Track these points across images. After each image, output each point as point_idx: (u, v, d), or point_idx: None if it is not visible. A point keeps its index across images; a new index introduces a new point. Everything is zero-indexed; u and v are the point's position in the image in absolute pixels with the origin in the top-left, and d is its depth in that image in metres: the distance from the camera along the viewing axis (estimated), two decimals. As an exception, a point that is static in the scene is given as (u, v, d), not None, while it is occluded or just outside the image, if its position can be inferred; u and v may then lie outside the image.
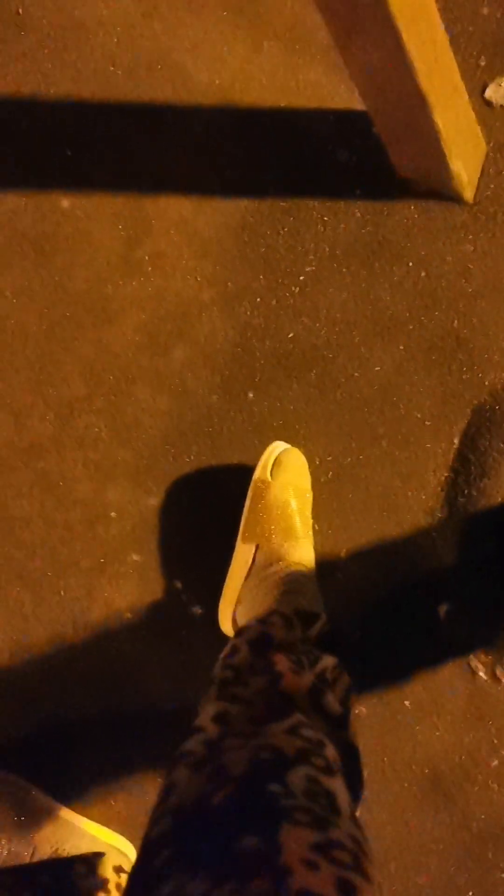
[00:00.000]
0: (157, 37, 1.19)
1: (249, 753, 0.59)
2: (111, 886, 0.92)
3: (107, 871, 0.94)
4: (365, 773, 0.73)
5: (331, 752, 0.63)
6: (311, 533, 1.06)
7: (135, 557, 1.10)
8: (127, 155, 1.19)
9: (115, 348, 1.15)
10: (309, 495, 1.09)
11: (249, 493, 1.06)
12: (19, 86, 1.18)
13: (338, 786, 0.59)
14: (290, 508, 1.04)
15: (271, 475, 1.05)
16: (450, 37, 0.96)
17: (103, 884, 0.92)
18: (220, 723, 0.66)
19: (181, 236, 1.18)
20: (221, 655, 0.83)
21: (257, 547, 1.02)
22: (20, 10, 1.20)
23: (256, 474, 1.06)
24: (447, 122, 1.02)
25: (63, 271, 1.16)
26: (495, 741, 1.08)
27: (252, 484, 1.06)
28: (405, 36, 0.87)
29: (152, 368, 1.15)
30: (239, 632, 0.86)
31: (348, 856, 0.50)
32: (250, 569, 1.02)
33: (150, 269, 1.17)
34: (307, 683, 0.72)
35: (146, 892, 0.49)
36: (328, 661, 0.81)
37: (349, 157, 1.16)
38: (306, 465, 1.10)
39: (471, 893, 1.07)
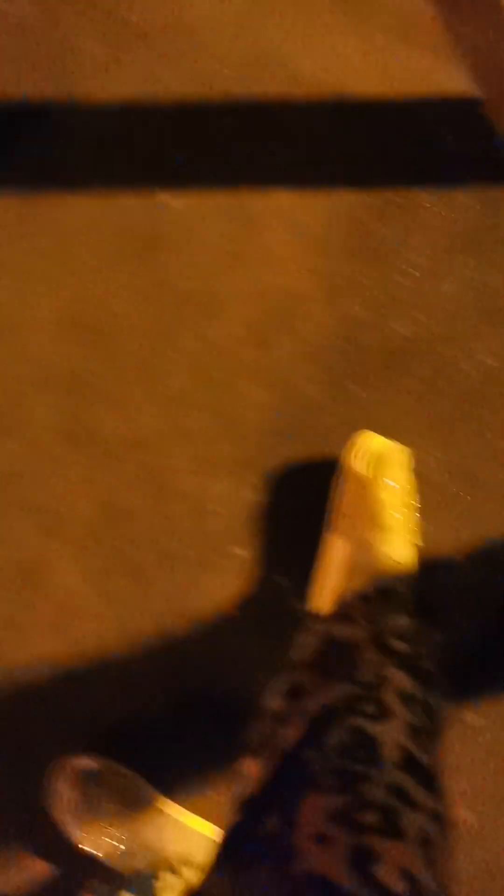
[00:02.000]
0: (267, 33, 1.20)
1: (302, 721, 0.57)
2: None
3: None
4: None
5: (393, 686, 0.60)
6: (411, 533, 1.00)
7: (238, 551, 1.09)
8: (236, 151, 1.20)
9: (220, 343, 1.15)
10: (411, 492, 1.04)
11: (342, 485, 1.02)
12: (134, 93, 1.21)
13: (387, 730, 0.55)
14: (387, 506, 0.99)
15: (369, 469, 1.01)
16: None
17: None
18: (286, 697, 0.64)
19: (286, 230, 1.17)
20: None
21: (347, 540, 0.98)
22: (132, 18, 1.23)
23: (349, 464, 1.03)
24: None
25: (170, 268, 1.17)
26: None
27: (346, 474, 1.03)
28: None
29: (257, 363, 1.14)
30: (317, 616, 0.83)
31: (376, 815, 0.47)
32: (346, 565, 0.98)
33: (255, 263, 1.17)
34: (366, 632, 0.69)
35: None
36: (402, 619, 0.78)
37: (459, 144, 1.13)
38: (407, 460, 1.05)
39: None
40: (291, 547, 1.08)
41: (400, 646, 0.69)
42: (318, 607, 1.00)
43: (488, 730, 1.04)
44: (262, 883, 0.43)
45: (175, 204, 1.20)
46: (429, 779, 0.53)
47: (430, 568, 1.03)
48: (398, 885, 0.44)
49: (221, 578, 1.08)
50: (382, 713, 0.57)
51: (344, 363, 1.13)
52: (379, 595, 0.85)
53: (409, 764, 0.53)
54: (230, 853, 0.49)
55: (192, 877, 0.93)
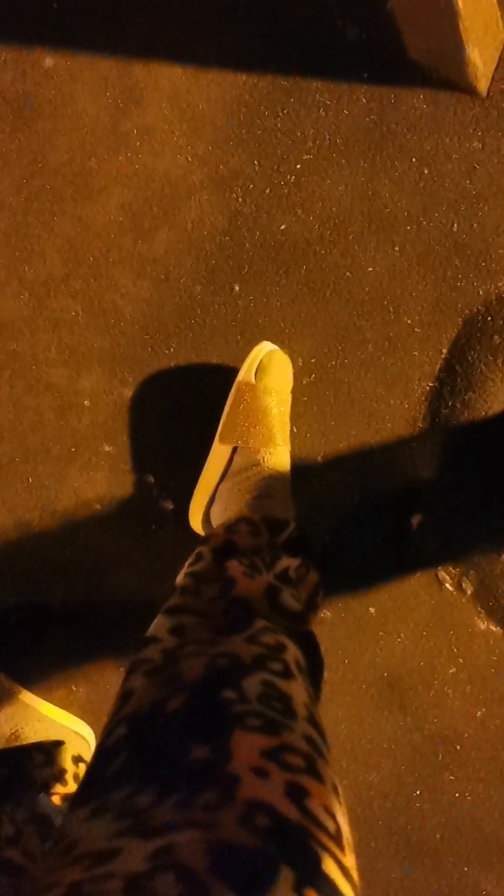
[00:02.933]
0: None
1: (206, 660, 0.58)
2: (69, 777, 0.93)
3: (66, 761, 0.95)
4: (326, 674, 0.73)
5: (291, 654, 0.63)
6: (288, 439, 1.04)
7: (107, 448, 1.07)
8: (120, 13, 1.10)
9: (96, 227, 1.09)
10: (289, 400, 1.06)
11: (231, 394, 1.02)
12: None
13: (295, 688, 0.59)
14: (271, 414, 1.01)
15: (255, 377, 1.02)
16: None
17: (61, 774, 0.93)
18: (177, 634, 0.66)
19: (173, 110, 1.09)
20: (186, 563, 0.82)
21: (234, 449, 1.00)
22: None
23: (240, 376, 1.03)
24: (468, 2, 0.95)
25: (44, 138, 1.08)
26: (455, 649, 1.10)
27: (235, 385, 1.03)
28: None
29: (135, 252, 1.09)
30: (205, 538, 0.85)
31: (300, 759, 0.50)
32: (226, 470, 1.00)
33: (137, 143, 1.10)
34: (262, 585, 0.72)
35: (96, 798, 0.48)
36: (290, 561, 0.81)
37: (359, 34, 1.08)
38: (291, 370, 1.06)
39: (418, 791, 1.11)
40: (163, 447, 1.07)
41: (290, 603, 0.72)
42: (198, 513, 1.02)
43: (338, 623, 1.11)
44: (214, 803, 0.44)
45: (50, 64, 1.09)
46: (325, 740, 0.56)
47: (293, 471, 1.05)
48: (328, 822, 0.46)
49: (88, 475, 1.06)
50: (288, 673, 0.60)
51: (225, 259, 1.09)
52: (266, 526, 0.86)
53: (314, 722, 0.56)
54: (147, 773, 0.49)
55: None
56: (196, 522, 1.04)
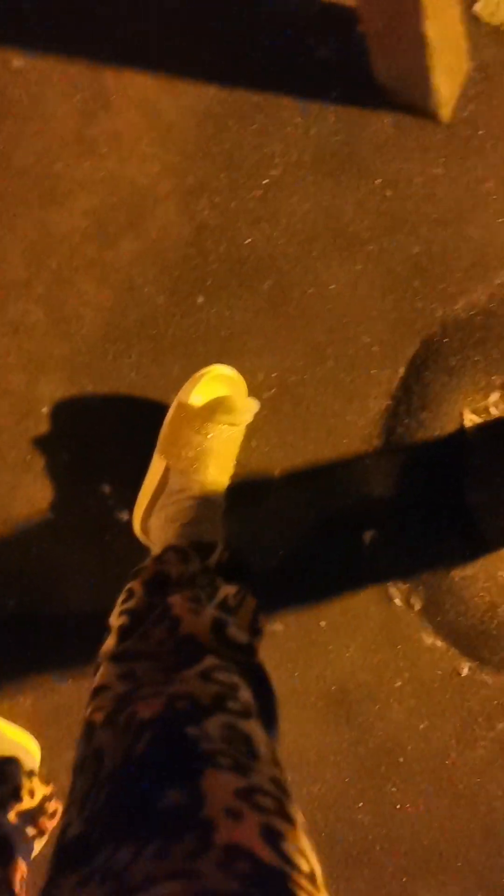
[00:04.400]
0: None
1: (164, 700, 0.58)
2: (24, 794, 0.92)
3: (19, 777, 0.94)
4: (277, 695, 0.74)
5: (245, 693, 0.63)
6: (227, 468, 1.00)
7: (63, 457, 1.06)
8: (91, 16, 1.09)
9: (60, 232, 1.08)
10: (237, 430, 1.01)
11: (170, 410, 1.01)
12: None
13: (254, 728, 0.59)
14: (206, 440, 0.96)
15: (201, 399, 0.98)
16: None
17: (16, 792, 0.92)
18: (129, 680, 0.65)
19: (142, 117, 1.09)
20: (118, 601, 0.80)
21: (168, 466, 0.98)
22: None
23: (179, 393, 1.00)
24: (436, 31, 0.97)
25: (8, 139, 1.07)
26: (401, 664, 1.12)
27: (175, 401, 1.00)
28: None
29: (98, 259, 1.08)
30: (134, 572, 0.84)
31: (271, 801, 0.50)
32: (164, 485, 0.98)
33: (105, 149, 1.09)
34: (208, 620, 0.71)
35: (83, 865, 0.48)
36: (228, 589, 0.80)
37: (329, 55, 1.09)
38: (244, 396, 1.04)
39: (361, 804, 1.13)
40: (120, 457, 1.07)
41: (237, 635, 0.71)
42: (138, 522, 1.01)
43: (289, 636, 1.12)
44: (193, 851, 0.44)
45: (18, 64, 1.08)
46: (287, 777, 0.56)
47: (248, 484, 1.06)
48: (302, 863, 0.47)
49: (43, 483, 1.05)
50: (247, 712, 0.60)
51: (189, 270, 1.10)
52: (195, 551, 0.85)
53: (276, 761, 0.57)
54: (124, 828, 0.49)
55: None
56: (138, 530, 1.03)
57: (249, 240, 1.09)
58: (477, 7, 1.08)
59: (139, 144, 1.09)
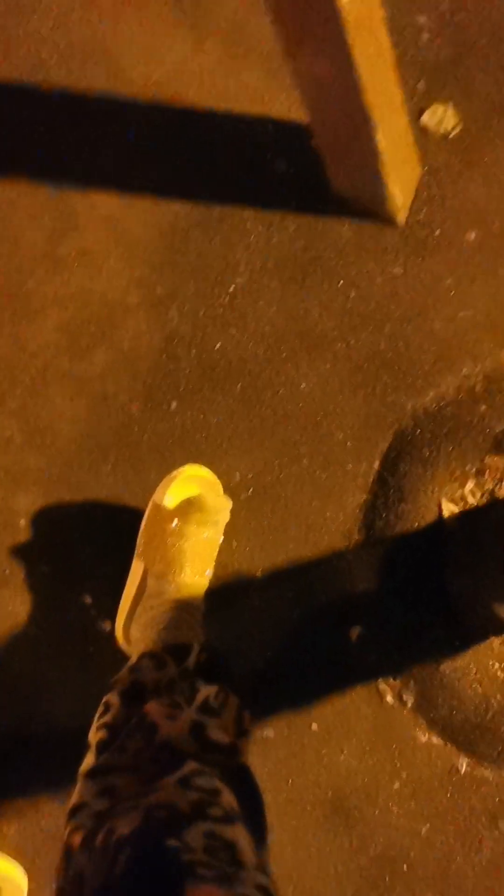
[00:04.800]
0: (94, 25, 1.14)
1: (142, 812, 0.56)
2: None
3: None
4: (269, 797, 0.71)
5: (228, 797, 0.61)
6: (205, 570, 0.99)
7: (43, 569, 1.06)
8: (56, 144, 1.14)
9: (33, 347, 1.10)
10: (214, 531, 1.01)
11: (146, 513, 1.01)
12: None
13: (238, 833, 0.57)
14: (182, 542, 0.96)
15: (174, 500, 0.98)
16: (394, 60, 0.95)
17: None
18: (108, 796, 0.63)
19: (109, 234, 1.13)
20: (95, 716, 0.78)
21: (146, 570, 0.97)
22: None
23: (154, 496, 1.00)
24: (388, 142, 1.02)
25: (-19, 262, 1.10)
26: (398, 763, 1.09)
27: (150, 504, 1.00)
28: (355, 49, 0.85)
29: (72, 371, 1.10)
30: (111, 683, 0.82)
31: None
32: (143, 590, 0.97)
33: (75, 265, 1.13)
34: (186, 724, 0.69)
35: None
36: (208, 689, 0.79)
37: (286, 168, 1.14)
38: (220, 497, 1.04)
39: (367, 918, 1.07)
40: (100, 567, 1.06)
41: (218, 736, 0.70)
42: (120, 629, 1.00)
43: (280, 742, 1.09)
44: None
45: (-10, 192, 1.12)
46: (274, 883, 0.54)
47: (230, 586, 1.05)
48: None
49: (23, 596, 1.04)
50: (229, 818, 0.58)
51: (162, 377, 1.12)
52: (170, 655, 0.84)
53: (262, 868, 0.55)
54: None
55: None
56: (120, 638, 1.01)
57: (219, 344, 1.12)
58: (424, 118, 1.15)
59: (108, 260, 1.13)
